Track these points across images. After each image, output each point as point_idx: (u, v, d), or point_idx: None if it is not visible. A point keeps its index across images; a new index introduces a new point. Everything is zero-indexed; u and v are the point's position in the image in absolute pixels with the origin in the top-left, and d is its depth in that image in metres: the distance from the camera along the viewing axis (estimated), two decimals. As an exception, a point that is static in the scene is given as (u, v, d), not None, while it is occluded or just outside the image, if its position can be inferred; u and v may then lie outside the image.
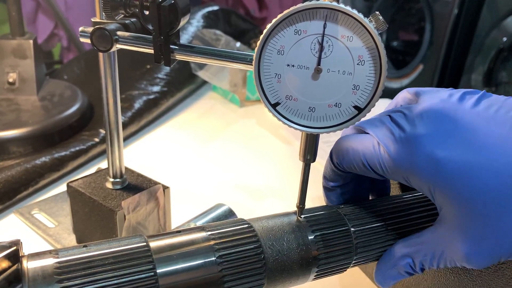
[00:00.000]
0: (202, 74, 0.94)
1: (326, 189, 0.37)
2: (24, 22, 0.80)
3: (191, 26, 0.99)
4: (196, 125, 0.88)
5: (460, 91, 0.30)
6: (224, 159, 0.77)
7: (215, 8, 1.08)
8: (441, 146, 0.28)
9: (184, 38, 0.96)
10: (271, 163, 0.76)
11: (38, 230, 0.54)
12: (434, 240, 0.31)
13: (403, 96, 0.34)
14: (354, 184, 0.37)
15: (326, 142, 0.78)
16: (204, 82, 1.03)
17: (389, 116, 0.31)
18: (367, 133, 0.32)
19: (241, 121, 0.91)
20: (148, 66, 0.91)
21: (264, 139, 0.84)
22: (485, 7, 1.53)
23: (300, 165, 0.34)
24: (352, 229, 0.34)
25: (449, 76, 1.77)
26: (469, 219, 0.28)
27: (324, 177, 0.37)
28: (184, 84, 0.94)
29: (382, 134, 0.30)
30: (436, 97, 0.30)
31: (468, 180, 0.27)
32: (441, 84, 1.78)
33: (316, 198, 0.62)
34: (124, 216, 0.44)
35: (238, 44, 0.96)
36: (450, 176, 0.27)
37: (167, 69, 0.91)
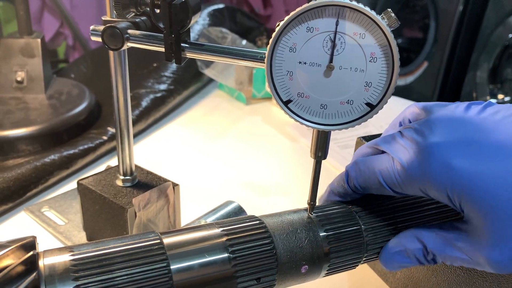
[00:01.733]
0: (208, 72, 0.94)
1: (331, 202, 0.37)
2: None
3: (197, 24, 1.00)
4: (203, 123, 0.89)
5: (465, 103, 0.31)
6: (231, 156, 0.77)
7: (221, 6, 1.09)
8: (453, 153, 0.28)
9: (190, 36, 0.96)
10: (277, 160, 0.76)
11: (48, 228, 0.54)
12: (458, 238, 0.30)
13: (411, 110, 0.35)
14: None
15: (333, 139, 0.78)
16: (210, 80, 1.03)
17: (400, 132, 0.32)
18: (383, 152, 0.33)
19: (247, 119, 0.91)
20: (155, 65, 0.91)
21: (270, 136, 0.84)
22: (490, 4, 1.52)
23: (305, 162, 0.34)
24: (362, 226, 0.35)
25: (454, 73, 1.76)
26: (492, 225, 0.27)
27: (331, 192, 0.37)
28: (191, 82, 0.94)
29: (395, 149, 0.31)
30: (443, 110, 0.31)
31: (485, 185, 0.27)
32: (446, 81, 1.77)
33: (323, 195, 0.62)
34: (135, 213, 0.44)
35: (244, 42, 0.96)
36: (466, 182, 0.27)
37: (173, 67, 0.91)
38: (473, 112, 0.29)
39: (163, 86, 0.87)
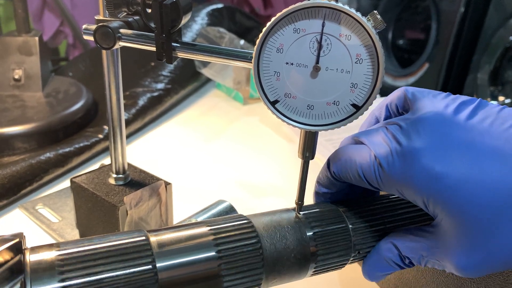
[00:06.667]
0: (206, 72, 0.94)
1: (318, 194, 0.37)
2: (30, 19, 0.81)
3: (195, 24, 1.00)
4: (200, 122, 0.89)
5: (456, 101, 0.30)
6: (227, 156, 0.77)
7: (220, 6, 1.09)
8: (436, 161, 0.28)
9: (189, 36, 0.97)
10: (273, 160, 0.76)
11: (42, 225, 0.54)
12: (425, 242, 0.31)
13: (399, 95, 0.34)
14: (346, 192, 0.37)
15: (329, 140, 0.78)
16: (208, 80, 1.03)
17: (386, 127, 0.31)
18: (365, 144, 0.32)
19: (244, 119, 0.91)
20: (153, 64, 0.91)
21: (267, 136, 0.85)
22: (492, 6, 1.52)
23: (292, 165, 0.34)
24: (350, 226, 0.35)
25: (455, 75, 1.76)
26: (462, 232, 0.28)
27: (318, 183, 0.37)
28: (188, 82, 0.95)
29: (379, 146, 0.30)
30: (431, 107, 0.30)
31: (463, 194, 0.27)
32: (447, 83, 1.77)
33: (317, 195, 0.62)
34: (126, 211, 0.45)
35: (242, 42, 0.96)
36: (444, 190, 0.28)
37: (171, 66, 0.91)
38: (463, 116, 0.29)
39: (160, 85, 0.87)
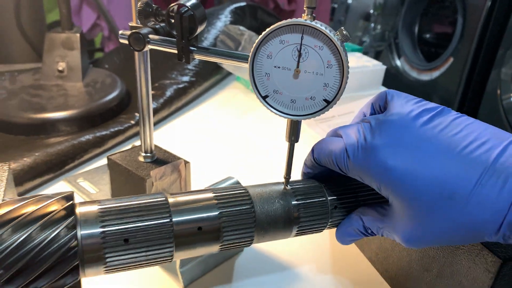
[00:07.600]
0: (227, 66, 1.03)
1: (304, 174, 0.46)
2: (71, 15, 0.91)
3: (219, 22, 1.09)
4: (220, 112, 0.98)
5: (421, 107, 0.36)
6: (241, 141, 0.86)
7: (242, 4, 1.17)
8: (389, 156, 0.35)
9: (212, 33, 1.05)
10: (284, 147, 0.84)
11: (82, 195, 0.65)
12: (381, 217, 0.39)
13: (382, 96, 0.41)
14: (327, 174, 0.45)
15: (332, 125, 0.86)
16: (229, 73, 1.12)
17: (361, 124, 0.39)
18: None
19: (261, 109, 0.99)
20: (179, 58, 1.01)
21: (280, 126, 0.93)
22: (519, 1, 1.52)
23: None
24: (329, 198, 0.43)
25: (479, 69, 1.76)
26: (406, 213, 0.36)
27: (305, 164, 0.45)
28: (211, 75, 1.04)
29: (350, 140, 0.38)
30: (399, 110, 0.36)
31: (407, 184, 0.34)
32: (471, 78, 1.77)
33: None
34: (152, 183, 0.54)
35: (261, 38, 1.04)
36: (393, 180, 0.35)
37: (196, 61, 1.00)
38: (420, 122, 0.35)
39: (185, 78, 0.97)
